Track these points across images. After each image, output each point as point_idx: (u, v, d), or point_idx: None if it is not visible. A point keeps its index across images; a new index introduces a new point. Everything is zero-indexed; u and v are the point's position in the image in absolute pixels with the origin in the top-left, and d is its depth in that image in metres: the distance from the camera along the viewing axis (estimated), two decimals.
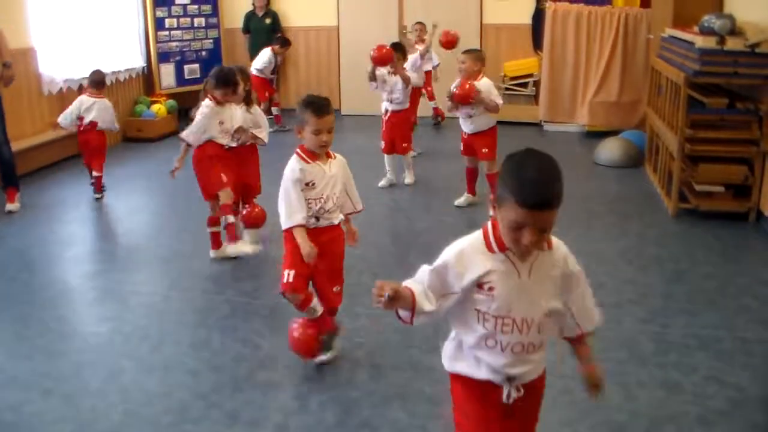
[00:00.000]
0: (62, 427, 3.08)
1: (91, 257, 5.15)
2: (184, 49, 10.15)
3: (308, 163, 3.30)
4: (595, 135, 8.57)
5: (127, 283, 4.71)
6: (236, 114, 4.89)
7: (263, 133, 5.05)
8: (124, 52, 9.39)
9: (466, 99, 5.58)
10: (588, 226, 5.64)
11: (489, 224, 1.94)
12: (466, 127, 5.88)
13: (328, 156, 3.38)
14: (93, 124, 6.45)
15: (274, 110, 9.58)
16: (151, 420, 3.14)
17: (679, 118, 5.70)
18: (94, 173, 6.56)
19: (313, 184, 3.30)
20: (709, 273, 4.68)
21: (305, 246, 3.27)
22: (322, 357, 3.56)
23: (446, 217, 5.77)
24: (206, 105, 4.74)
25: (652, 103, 7.21)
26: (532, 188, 1.74)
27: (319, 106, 3.25)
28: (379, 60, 6.44)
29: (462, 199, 6.14)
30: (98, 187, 6.56)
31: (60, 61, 8.00)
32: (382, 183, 6.69)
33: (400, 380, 3.45)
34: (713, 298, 4.30)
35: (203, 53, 10.33)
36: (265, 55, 9.34)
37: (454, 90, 5.60)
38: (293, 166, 3.31)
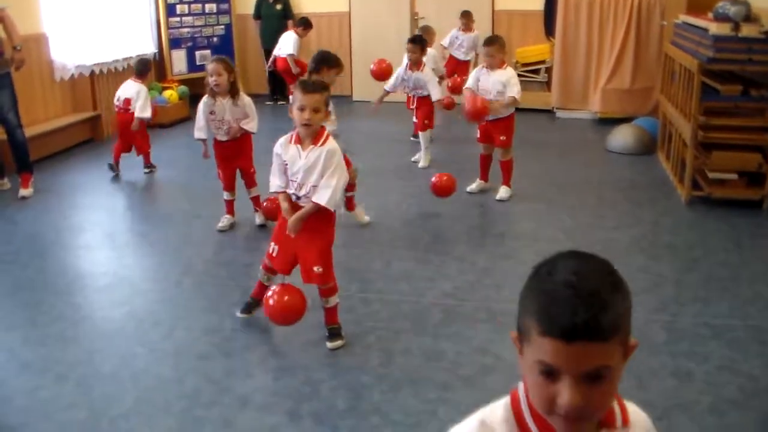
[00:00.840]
0: (75, 412, 3.11)
1: (103, 243, 5.17)
2: (196, 35, 10.14)
3: (289, 143, 3.43)
4: (608, 122, 8.53)
5: (139, 269, 4.73)
6: (225, 106, 4.97)
7: (251, 124, 5.08)
8: (136, 38, 9.39)
9: (479, 116, 5.59)
10: (600, 213, 5.61)
11: (521, 386, 1.24)
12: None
13: (316, 142, 3.38)
14: (127, 102, 6.74)
15: None
16: (163, 405, 3.16)
17: (692, 105, 5.66)
18: (139, 152, 6.94)
19: (287, 166, 3.44)
20: (722, 261, 4.65)
21: (284, 212, 3.46)
22: (328, 345, 3.61)
23: (457, 203, 5.76)
24: (203, 100, 5.03)
25: (665, 90, 7.16)
26: (566, 303, 1.08)
27: (307, 83, 3.38)
28: (378, 75, 6.43)
29: (474, 186, 6.12)
30: (146, 161, 6.97)
31: (72, 48, 8.01)
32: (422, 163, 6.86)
33: (410, 366, 3.45)
34: (726, 286, 4.28)
35: (215, 39, 10.32)
36: (290, 38, 9.35)
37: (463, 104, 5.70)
38: (280, 140, 3.48)
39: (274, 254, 3.60)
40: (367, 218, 5.35)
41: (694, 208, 5.68)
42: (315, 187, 3.39)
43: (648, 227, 5.33)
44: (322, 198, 3.37)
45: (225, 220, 5.27)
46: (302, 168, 3.38)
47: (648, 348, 3.57)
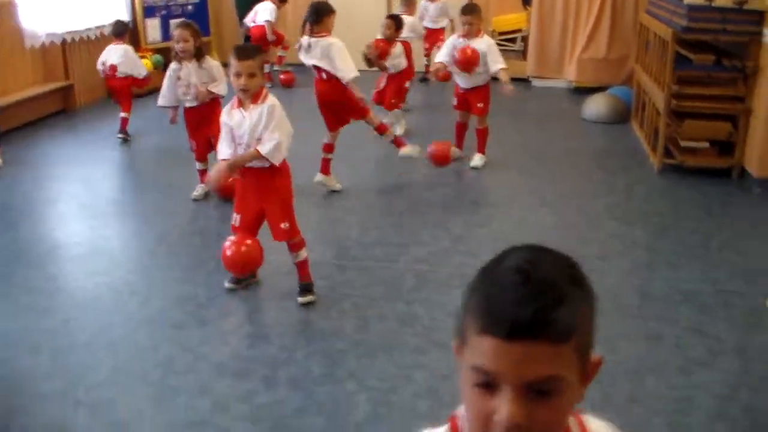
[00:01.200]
0: (51, 383, 3.11)
1: (78, 214, 5.14)
2: (170, 4, 9.99)
3: (233, 108, 3.54)
4: (583, 91, 8.55)
5: (115, 240, 4.71)
6: (191, 70, 4.97)
7: (219, 86, 5.03)
8: (109, 6, 9.23)
9: (470, 65, 5.57)
10: (574, 181, 5.66)
11: (462, 410, 1.02)
12: (463, 82, 5.82)
13: (256, 101, 3.48)
14: (113, 68, 6.80)
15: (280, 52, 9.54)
16: (139, 374, 3.17)
17: (666, 74, 5.69)
18: (121, 114, 6.89)
19: (235, 132, 3.52)
20: (693, 228, 4.72)
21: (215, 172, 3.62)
22: (299, 299, 3.70)
23: (432, 170, 5.77)
24: (170, 66, 5.07)
25: (640, 59, 7.19)
26: (511, 291, 0.89)
27: (241, 49, 3.47)
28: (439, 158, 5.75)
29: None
30: (123, 126, 6.88)
31: (42, 15, 7.87)
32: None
33: (385, 332, 3.49)
34: (696, 252, 4.35)
35: (189, 8, 10.17)
36: (268, 6, 9.24)
37: (453, 56, 5.58)
38: (225, 108, 3.61)
39: (236, 224, 3.67)
40: (338, 185, 5.35)
41: (667, 176, 5.74)
42: (259, 140, 3.49)
43: (621, 195, 5.39)
44: (264, 148, 3.45)
45: (199, 189, 5.25)
46: (247, 128, 3.48)
47: (620, 311, 3.64)
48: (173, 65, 5.01)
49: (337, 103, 5.08)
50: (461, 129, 6.13)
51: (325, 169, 5.30)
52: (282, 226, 3.58)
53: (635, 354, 3.28)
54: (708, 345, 3.32)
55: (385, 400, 2.97)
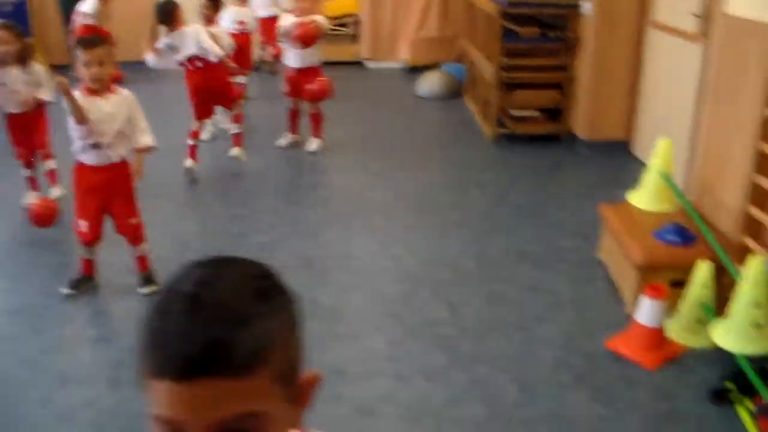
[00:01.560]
0: None
1: None
2: None
3: (87, 95, 3.34)
4: (417, 70, 8.64)
5: None
6: (16, 75, 4.38)
7: (46, 92, 4.50)
8: None
9: (311, 40, 5.41)
10: (412, 158, 5.68)
11: None
12: (296, 62, 5.63)
13: (111, 91, 3.40)
14: None
15: None
16: None
17: (495, 48, 5.83)
18: None
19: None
20: (528, 192, 4.85)
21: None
22: (143, 290, 3.58)
23: (270, 158, 5.63)
24: None
25: (470, 35, 7.35)
26: (176, 324, 0.73)
27: (85, 39, 3.40)
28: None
29: (283, 140, 5.97)
30: None
31: None
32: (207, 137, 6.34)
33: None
34: (531, 214, 4.47)
35: (8, 7, 9.46)
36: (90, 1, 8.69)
37: (290, 31, 5.40)
38: (77, 95, 3.35)
39: (85, 230, 3.51)
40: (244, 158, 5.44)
41: (501, 145, 5.87)
42: (121, 133, 3.41)
43: (458, 166, 5.47)
44: (149, 140, 3.52)
45: (31, 197, 4.65)
46: (105, 117, 3.36)
47: (461, 278, 3.68)
48: None
49: (213, 92, 5.22)
50: (294, 115, 5.95)
51: (238, 140, 5.48)
52: (132, 221, 3.55)
53: (478, 316, 3.31)
54: (545, 300, 3.41)
55: None
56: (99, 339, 3.30)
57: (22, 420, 2.71)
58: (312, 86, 5.60)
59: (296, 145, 5.91)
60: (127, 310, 3.48)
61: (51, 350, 3.18)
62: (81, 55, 3.30)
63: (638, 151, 5.35)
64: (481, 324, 3.24)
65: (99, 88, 3.35)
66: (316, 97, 5.67)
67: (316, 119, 5.83)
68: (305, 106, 5.80)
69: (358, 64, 9.21)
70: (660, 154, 3.14)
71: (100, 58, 3.30)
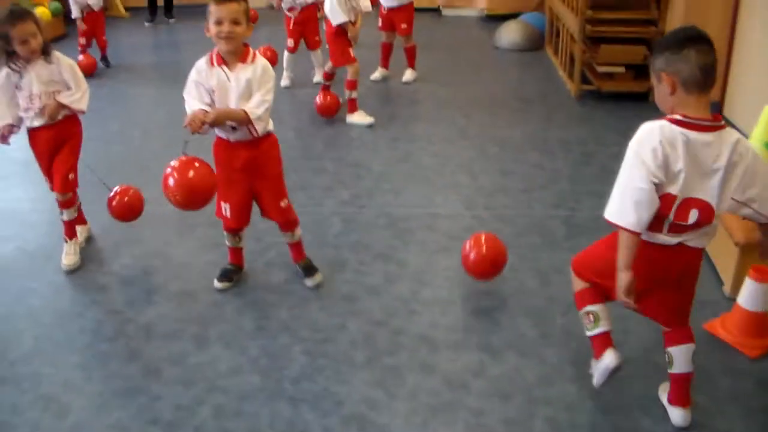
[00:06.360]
0: None
1: None
2: None
3: (212, 66, 2.90)
4: (495, 19, 8.45)
5: (26, 201, 4.35)
6: (33, 73, 3.29)
7: (75, 96, 3.36)
8: None
9: None
10: (492, 111, 5.59)
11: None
12: (387, 2, 6.00)
13: (244, 59, 2.91)
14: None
15: None
16: (64, 342, 2.98)
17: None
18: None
19: (214, 92, 2.91)
20: (615, 153, 4.67)
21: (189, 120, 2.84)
22: (309, 283, 3.33)
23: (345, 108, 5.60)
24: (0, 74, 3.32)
25: None
26: None
27: None
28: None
29: (377, 74, 6.36)
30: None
31: None
32: (286, 83, 6.32)
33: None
34: None
35: None
36: None
37: None
38: (198, 65, 2.94)
39: (227, 213, 3.15)
40: (370, 119, 5.38)
41: (584, 102, 5.73)
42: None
43: (540, 124, 5.35)
44: (254, 110, 2.88)
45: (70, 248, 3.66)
46: (232, 93, 2.90)
47: (548, 243, 3.62)
48: (4, 71, 3.29)
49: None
50: (387, 49, 6.33)
51: (353, 107, 5.43)
52: (281, 204, 3.16)
53: (568, 287, 3.25)
54: None
55: (321, 351, 2.87)
56: (183, 294, 3.30)
57: (111, 373, 2.78)
58: (404, 25, 6.07)
59: (387, 78, 6.34)
60: (213, 265, 3.43)
61: (137, 302, 3.23)
62: (213, 11, 2.82)
63: (733, 114, 5.13)
64: (571, 296, 3.18)
65: (229, 52, 2.87)
66: (407, 32, 6.11)
67: (411, 52, 6.28)
68: (399, 41, 6.22)
69: (434, 10, 9.03)
70: (764, 122, 3.01)
71: (235, 14, 2.82)
